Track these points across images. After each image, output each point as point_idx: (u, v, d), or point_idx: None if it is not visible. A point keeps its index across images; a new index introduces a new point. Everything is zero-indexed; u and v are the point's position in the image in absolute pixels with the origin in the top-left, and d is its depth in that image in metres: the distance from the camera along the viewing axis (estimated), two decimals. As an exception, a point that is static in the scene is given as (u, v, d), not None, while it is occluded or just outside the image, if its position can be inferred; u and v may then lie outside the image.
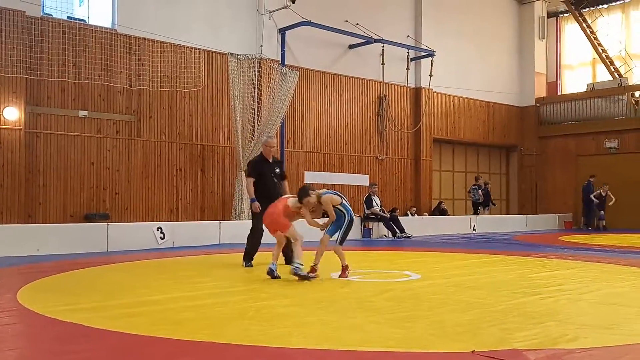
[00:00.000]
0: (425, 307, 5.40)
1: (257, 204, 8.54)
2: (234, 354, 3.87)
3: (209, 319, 4.88)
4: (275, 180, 8.70)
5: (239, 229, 13.02)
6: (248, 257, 8.72)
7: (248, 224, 13.15)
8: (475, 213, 19.32)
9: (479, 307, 5.37)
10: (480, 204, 19.47)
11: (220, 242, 12.53)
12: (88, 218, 13.02)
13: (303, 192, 7.09)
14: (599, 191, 19.74)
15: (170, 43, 14.39)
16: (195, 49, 14.83)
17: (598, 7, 22.78)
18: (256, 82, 15.03)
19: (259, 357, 3.79)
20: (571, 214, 21.95)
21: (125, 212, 13.83)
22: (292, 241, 7.37)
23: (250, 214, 9.60)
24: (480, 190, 19.35)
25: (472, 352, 3.85)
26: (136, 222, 13.23)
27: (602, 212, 19.55)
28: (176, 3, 14.72)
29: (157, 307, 5.34)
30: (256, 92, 15.14)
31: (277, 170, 8.81)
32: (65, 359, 3.73)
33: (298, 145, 16.91)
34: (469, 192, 19.99)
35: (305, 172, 16.93)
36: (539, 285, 6.80)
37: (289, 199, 7.29)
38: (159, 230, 11.66)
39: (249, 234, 8.84)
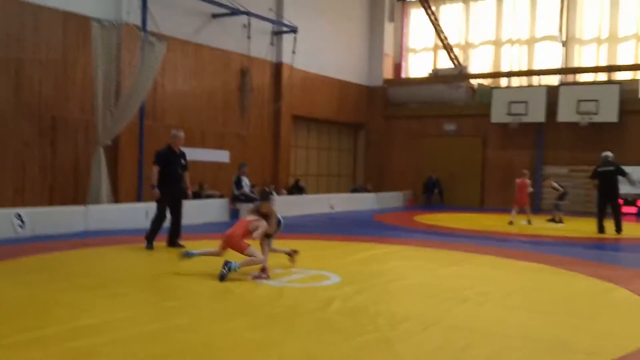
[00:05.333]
0: (381, 324, 5.34)
1: (157, 191, 9.28)
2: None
3: (182, 355, 4.37)
4: (180, 172, 9.47)
5: (106, 213, 12.04)
6: (150, 240, 9.33)
7: (115, 208, 12.39)
8: None
9: (432, 322, 5.45)
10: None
11: (87, 229, 11.41)
12: None
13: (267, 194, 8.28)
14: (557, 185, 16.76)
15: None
16: (48, 8, 13.13)
17: (442, -4, 24.17)
18: (120, 50, 13.73)
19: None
20: (411, 191, 23.37)
21: (-36, 192, 12.02)
22: (250, 256, 7.32)
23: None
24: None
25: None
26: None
27: (560, 202, 16.39)
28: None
29: (103, 339, 4.66)
30: (116, 62, 13.83)
31: (183, 161, 9.54)
32: None
33: (158, 119, 15.86)
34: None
35: (165, 147, 15.94)
36: (454, 288, 7.08)
37: (251, 223, 7.37)
38: (18, 217, 10.27)
39: (153, 218, 9.46)
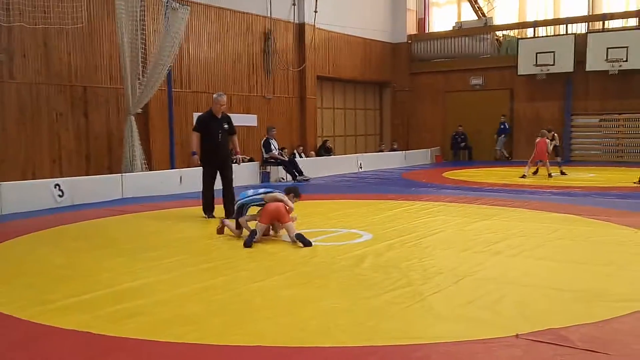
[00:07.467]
0: (414, 278, 5.46)
1: (196, 157, 9.15)
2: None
3: (221, 312, 4.56)
4: (221, 137, 9.02)
5: (141, 181, 12.32)
6: (208, 210, 9.10)
7: (148, 175, 12.63)
8: None
9: (464, 275, 5.55)
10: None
11: (123, 197, 11.71)
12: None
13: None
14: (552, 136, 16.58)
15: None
16: (70, -22, 13.21)
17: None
18: (143, 17, 13.78)
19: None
20: (439, 148, 23.28)
21: (2, 164, 12.35)
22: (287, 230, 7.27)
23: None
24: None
25: (516, 336, 3.99)
26: (30, 179, 11.83)
27: (559, 157, 16.71)
28: None
29: (146, 301, 4.88)
30: (141, 29, 13.90)
31: (226, 126, 9.11)
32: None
33: (185, 86, 16.01)
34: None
35: (194, 113, 16.08)
36: (486, 241, 7.15)
37: (288, 202, 7.39)
38: (57, 187, 10.58)
39: (202, 189, 9.18)
